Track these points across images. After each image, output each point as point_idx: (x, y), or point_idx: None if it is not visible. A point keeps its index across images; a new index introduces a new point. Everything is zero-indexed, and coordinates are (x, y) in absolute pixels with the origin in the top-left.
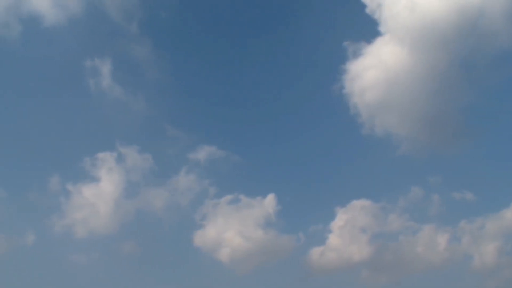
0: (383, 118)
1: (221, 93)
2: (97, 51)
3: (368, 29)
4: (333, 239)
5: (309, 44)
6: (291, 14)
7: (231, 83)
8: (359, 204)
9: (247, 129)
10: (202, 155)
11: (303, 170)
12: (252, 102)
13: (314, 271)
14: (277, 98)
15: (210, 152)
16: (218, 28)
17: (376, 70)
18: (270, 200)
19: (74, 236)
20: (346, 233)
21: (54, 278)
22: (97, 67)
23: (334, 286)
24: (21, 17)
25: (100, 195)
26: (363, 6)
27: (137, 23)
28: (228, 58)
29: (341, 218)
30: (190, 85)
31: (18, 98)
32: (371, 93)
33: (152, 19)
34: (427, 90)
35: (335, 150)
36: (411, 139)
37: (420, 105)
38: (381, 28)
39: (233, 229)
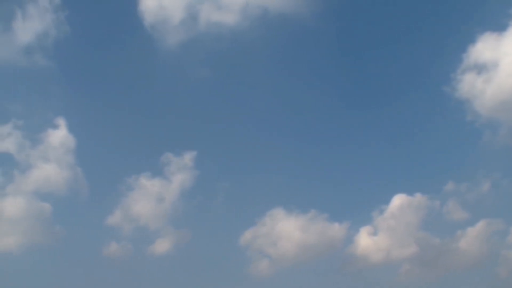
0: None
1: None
2: None
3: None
4: (384, 232)
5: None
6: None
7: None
8: (416, 197)
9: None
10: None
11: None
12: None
13: (360, 262)
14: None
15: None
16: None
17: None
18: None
19: (126, 229)
20: (398, 226)
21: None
22: None
23: (382, 278)
24: None
25: (161, 191)
26: None
27: None
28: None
29: (395, 210)
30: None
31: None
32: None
33: None
34: None
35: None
36: None
37: None
38: None
39: (286, 223)
